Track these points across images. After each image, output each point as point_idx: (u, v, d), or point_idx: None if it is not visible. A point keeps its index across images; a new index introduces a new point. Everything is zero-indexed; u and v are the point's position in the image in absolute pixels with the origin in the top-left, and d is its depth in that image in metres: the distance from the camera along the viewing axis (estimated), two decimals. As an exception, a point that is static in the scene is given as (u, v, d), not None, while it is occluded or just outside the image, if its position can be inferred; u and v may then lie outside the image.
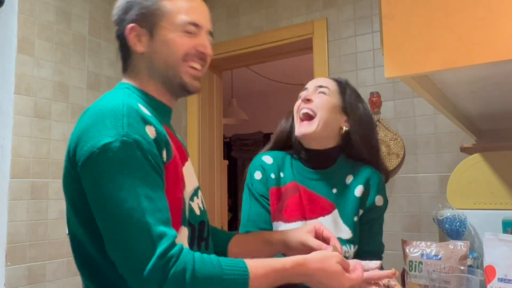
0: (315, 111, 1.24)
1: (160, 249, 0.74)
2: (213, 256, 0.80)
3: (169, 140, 0.86)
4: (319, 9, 2.47)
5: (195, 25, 0.93)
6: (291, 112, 1.34)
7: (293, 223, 1.23)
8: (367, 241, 1.26)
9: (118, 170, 0.76)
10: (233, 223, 4.74)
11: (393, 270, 0.99)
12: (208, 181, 2.94)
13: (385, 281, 0.99)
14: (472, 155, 1.49)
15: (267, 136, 5.80)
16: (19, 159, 1.97)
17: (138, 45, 0.92)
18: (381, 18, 0.73)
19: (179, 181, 0.88)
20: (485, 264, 1.00)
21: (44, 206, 2.05)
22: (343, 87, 1.31)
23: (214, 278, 0.76)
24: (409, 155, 2.16)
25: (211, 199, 2.96)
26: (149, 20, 0.91)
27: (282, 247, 1.05)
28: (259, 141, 5.83)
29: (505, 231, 1.25)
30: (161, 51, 0.91)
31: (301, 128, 1.25)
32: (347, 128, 1.27)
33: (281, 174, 1.30)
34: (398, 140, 2.17)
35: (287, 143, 1.36)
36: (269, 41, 2.63)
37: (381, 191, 1.28)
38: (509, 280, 0.94)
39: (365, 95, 2.28)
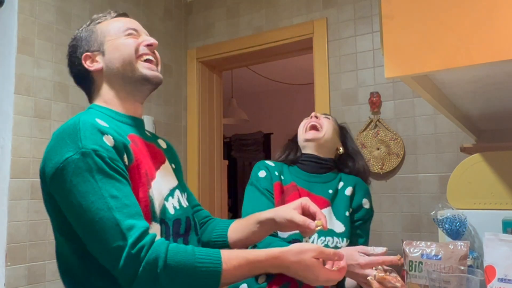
0: (321, 126, 1.49)
1: (130, 240, 0.80)
2: (189, 246, 0.86)
3: (129, 146, 0.94)
4: (319, 9, 2.47)
5: (133, 29, 1.06)
6: (286, 144, 1.60)
7: None
8: (350, 240, 1.37)
9: (82, 179, 0.84)
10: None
11: (398, 256, 1.00)
12: (208, 181, 2.94)
13: (387, 267, 1.00)
14: (472, 155, 1.48)
15: (267, 136, 5.81)
16: (19, 159, 1.97)
17: (96, 65, 1.03)
18: (381, 18, 0.73)
19: (142, 181, 0.94)
20: (485, 264, 1.00)
21: (44, 206, 2.05)
22: (341, 126, 1.60)
23: (187, 266, 0.81)
24: (409, 155, 2.16)
25: (211, 199, 2.96)
26: (96, 43, 1.04)
27: (272, 225, 1.08)
28: (259, 141, 5.83)
29: (505, 231, 1.25)
30: (115, 56, 1.02)
31: (308, 134, 1.48)
32: (342, 151, 1.52)
33: (282, 177, 1.46)
34: (398, 140, 2.17)
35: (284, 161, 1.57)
36: (269, 41, 2.63)
37: (368, 197, 1.47)
38: (509, 280, 0.94)
39: (365, 95, 2.29)
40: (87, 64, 1.04)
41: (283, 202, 1.38)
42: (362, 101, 2.30)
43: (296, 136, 1.55)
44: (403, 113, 2.19)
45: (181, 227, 1.02)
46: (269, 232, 1.11)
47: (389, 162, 2.18)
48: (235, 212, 5.24)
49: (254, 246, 1.20)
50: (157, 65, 1.07)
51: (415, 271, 1.08)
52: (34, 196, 2.02)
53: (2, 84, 2.00)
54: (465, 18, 0.67)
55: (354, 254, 1.16)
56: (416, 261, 1.08)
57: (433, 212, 1.42)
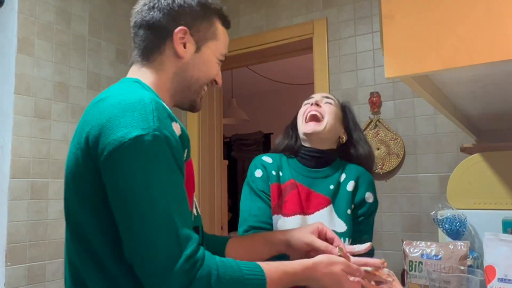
0: (323, 115, 1.36)
1: (187, 252, 0.73)
2: (231, 259, 0.81)
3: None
4: (319, 9, 2.47)
5: (224, 57, 1.02)
6: (286, 128, 1.49)
7: (292, 217, 1.30)
8: (353, 237, 1.31)
9: (149, 166, 0.73)
10: (233, 223, 4.74)
11: (382, 260, 1.00)
12: (208, 181, 2.94)
13: (384, 273, 0.99)
14: (472, 155, 1.49)
15: (267, 136, 5.81)
16: (19, 159, 1.97)
17: (182, 50, 0.94)
18: (381, 18, 0.73)
19: (192, 183, 0.88)
20: (485, 264, 1.00)
21: (44, 206, 2.05)
22: (344, 106, 1.46)
23: (238, 280, 0.78)
24: (409, 155, 2.16)
25: (211, 199, 2.96)
26: (202, 35, 0.96)
27: (284, 247, 1.06)
28: (259, 141, 5.83)
29: (505, 231, 1.25)
30: (200, 68, 0.96)
31: (309, 127, 1.35)
32: (345, 139, 1.41)
33: (280, 173, 1.38)
34: (398, 140, 2.17)
35: (284, 152, 1.47)
36: (269, 41, 2.63)
37: (372, 190, 1.37)
38: (509, 280, 0.94)
39: (365, 95, 2.29)
40: (176, 39, 0.92)
41: (281, 202, 1.34)
42: (362, 101, 2.29)
43: (295, 119, 1.45)
44: (403, 113, 2.19)
45: (199, 236, 0.98)
46: (275, 254, 1.08)
47: (389, 162, 2.18)
48: (235, 212, 5.24)
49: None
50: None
51: (415, 271, 1.08)
52: (34, 196, 2.02)
53: (2, 84, 2.00)
54: (465, 18, 0.67)
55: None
56: (416, 261, 1.08)
57: (433, 212, 1.42)
